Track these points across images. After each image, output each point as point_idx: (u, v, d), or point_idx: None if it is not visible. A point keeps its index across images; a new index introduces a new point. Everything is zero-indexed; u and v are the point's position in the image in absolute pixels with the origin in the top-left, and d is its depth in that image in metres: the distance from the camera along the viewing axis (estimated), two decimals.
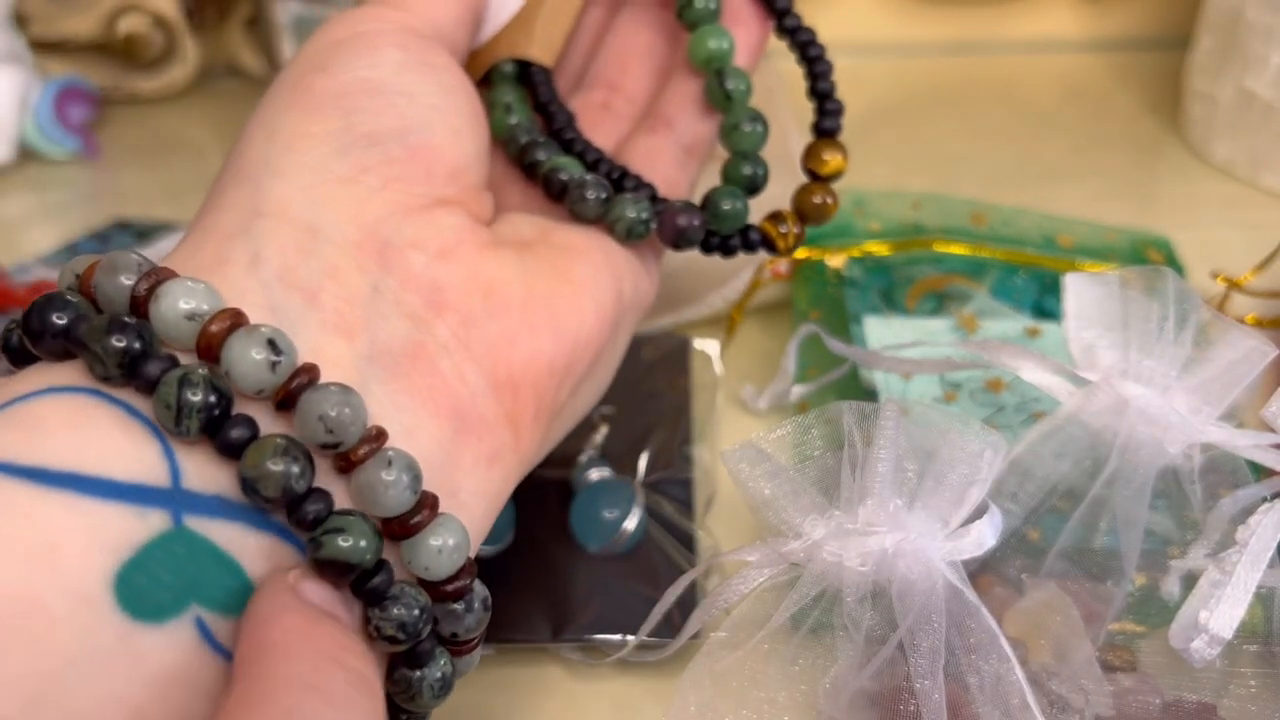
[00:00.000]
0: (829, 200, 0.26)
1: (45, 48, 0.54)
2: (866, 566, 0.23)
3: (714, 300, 0.40)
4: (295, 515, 0.17)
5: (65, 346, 0.18)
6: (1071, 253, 0.40)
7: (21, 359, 0.19)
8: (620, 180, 0.26)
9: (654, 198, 0.26)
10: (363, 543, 0.17)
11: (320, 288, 0.20)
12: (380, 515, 0.18)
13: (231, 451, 0.17)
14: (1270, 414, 0.26)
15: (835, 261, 0.39)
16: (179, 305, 0.18)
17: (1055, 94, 0.56)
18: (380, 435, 0.19)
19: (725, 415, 0.37)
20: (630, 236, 0.25)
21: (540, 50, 0.27)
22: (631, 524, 0.31)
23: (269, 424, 0.18)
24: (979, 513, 0.24)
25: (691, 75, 0.28)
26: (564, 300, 0.23)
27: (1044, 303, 0.38)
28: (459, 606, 0.19)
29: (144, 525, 0.16)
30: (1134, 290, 0.28)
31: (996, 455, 0.24)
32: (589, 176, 0.25)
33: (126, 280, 0.18)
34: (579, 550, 0.31)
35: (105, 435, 0.17)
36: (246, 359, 0.18)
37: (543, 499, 0.32)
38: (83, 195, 0.50)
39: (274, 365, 0.18)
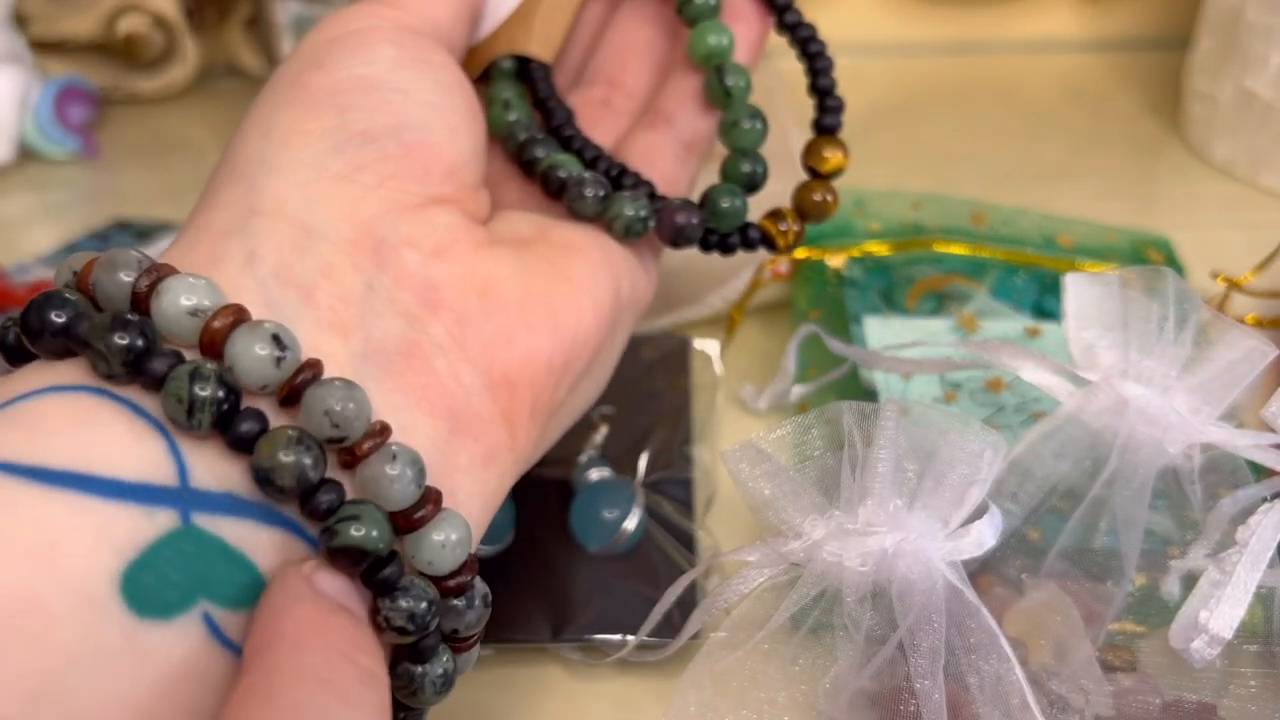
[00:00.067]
0: (829, 198, 0.26)
1: (45, 48, 0.54)
2: (866, 566, 0.23)
3: (714, 300, 0.40)
4: (309, 505, 0.18)
5: (65, 344, 0.18)
6: (1071, 253, 0.40)
7: (18, 357, 0.18)
8: (619, 178, 0.26)
9: (653, 195, 0.26)
10: (375, 532, 0.18)
11: (315, 285, 0.20)
12: (385, 509, 0.18)
13: (243, 446, 0.17)
14: (1270, 414, 0.26)
15: (835, 261, 0.39)
16: (180, 301, 0.18)
17: (1055, 94, 0.56)
18: (384, 430, 0.19)
19: (725, 415, 0.37)
20: (628, 234, 0.25)
21: (539, 46, 0.27)
22: (631, 524, 0.31)
23: (273, 420, 0.18)
24: (979, 513, 0.24)
25: (691, 71, 0.28)
26: (561, 298, 0.23)
27: (1044, 303, 0.38)
28: (460, 603, 0.19)
29: (151, 524, 0.16)
30: (1134, 290, 0.28)
31: (996, 455, 0.24)
32: (587, 174, 0.25)
33: (126, 277, 0.18)
34: (579, 550, 0.31)
35: (110, 434, 0.17)
36: (251, 354, 0.18)
37: (543, 499, 0.32)
38: (83, 195, 0.50)
39: (279, 361, 0.18)
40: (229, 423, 0.17)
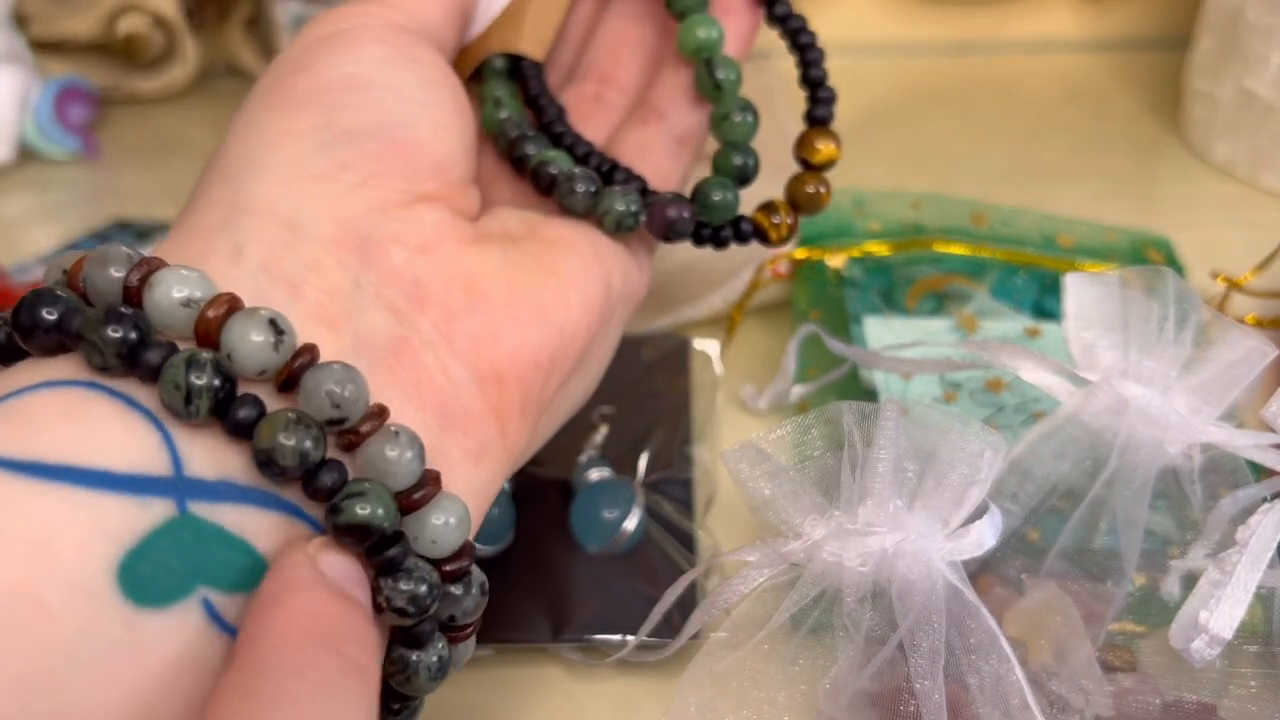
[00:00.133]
0: (822, 189, 0.26)
1: (45, 48, 0.54)
2: (866, 567, 0.23)
3: (714, 300, 0.40)
4: (312, 485, 0.18)
5: (58, 341, 0.18)
6: (1071, 253, 0.40)
7: (10, 356, 0.19)
8: (610, 173, 0.26)
9: (644, 190, 0.26)
10: (381, 510, 0.18)
11: (303, 281, 0.20)
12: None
13: (241, 431, 0.17)
14: (1270, 414, 0.26)
15: (835, 261, 0.39)
16: (173, 293, 0.18)
17: (1055, 94, 0.56)
18: (383, 412, 0.19)
19: (725, 415, 0.37)
20: (619, 229, 0.25)
21: (531, 44, 0.27)
22: (631, 524, 0.31)
23: (271, 406, 0.18)
24: (979, 513, 0.24)
25: (682, 66, 0.28)
26: (549, 294, 0.23)
27: (1044, 303, 0.38)
28: (457, 589, 0.19)
29: (146, 514, 0.16)
30: (1134, 290, 0.28)
31: (996, 455, 0.24)
32: (577, 170, 0.25)
33: (117, 273, 0.18)
34: (579, 550, 0.31)
35: (103, 427, 0.17)
36: (248, 340, 0.18)
37: (543, 499, 0.32)
38: (83, 195, 0.50)
39: (276, 345, 0.18)
40: (227, 409, 0.17)
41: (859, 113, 0.54)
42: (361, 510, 0.17)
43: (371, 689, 0.17)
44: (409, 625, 0.19)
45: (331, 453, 0.18)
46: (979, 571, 0.28)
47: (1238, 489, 0.27)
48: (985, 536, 0.24)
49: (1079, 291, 0.29)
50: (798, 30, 0.27)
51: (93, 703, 0.15)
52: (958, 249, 0.40)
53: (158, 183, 0.50)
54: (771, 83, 0.46)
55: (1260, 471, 0.27)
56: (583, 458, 0.33)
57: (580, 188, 0.25)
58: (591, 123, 0.28)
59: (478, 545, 0.30)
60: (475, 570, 0.20)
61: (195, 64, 0.56)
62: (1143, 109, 0.54)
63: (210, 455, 0.18)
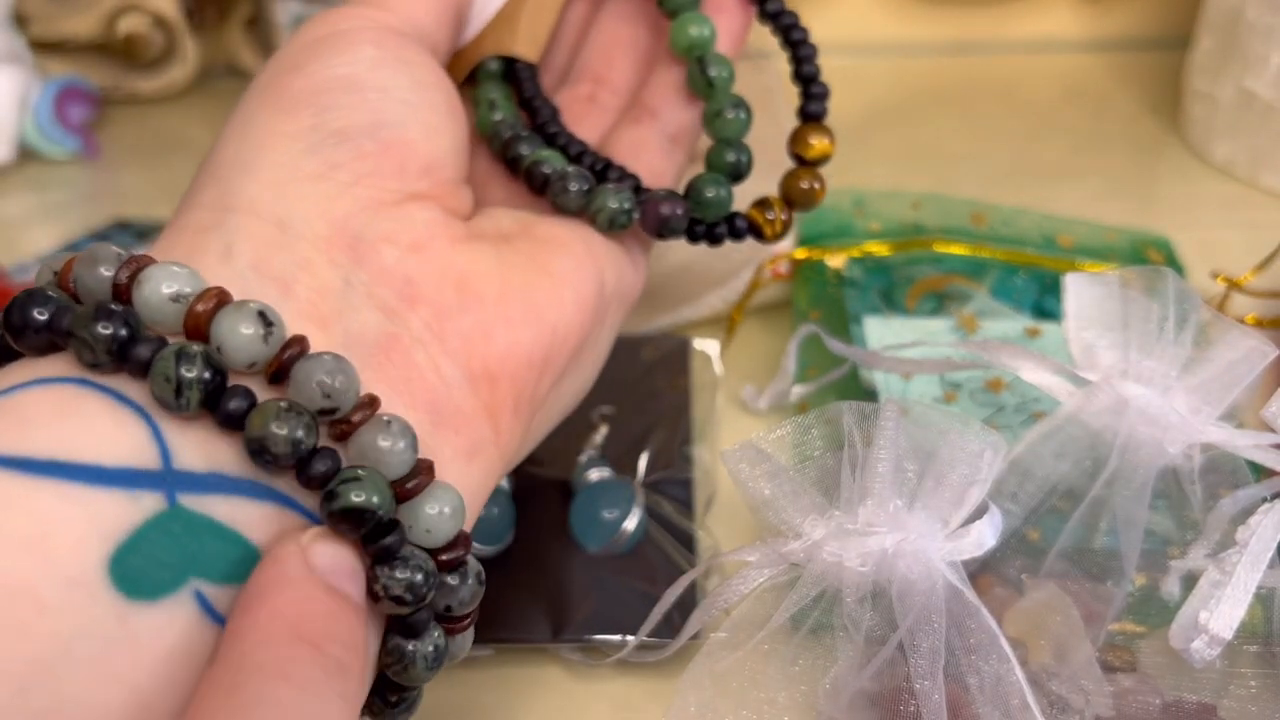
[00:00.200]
0: (816, 185, 0.26)
1: (45, 48, 0.54)
2: (866, 567, 0.23)
3: (714, 300, 0.40)
4: (305, 473, 0.18)
5: (49, 340, 0.18)
6: (1071, 253, 0.40)
7: (3, 356, 0.19)
8: (604, 172, 0.26)
9: (638, 188, 0.26)
10: (376, 497, 0.18)
11: (294, 279, 0.20)
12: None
13: (232, 422, 0.18)
14: (1270, 414, 0.26)
15: (835, 261, 0.39)
16: (162, 289, 0.18)
17: (1055, 94, 0.56)
18: (374, 401, 0.19)
19: (725, 415, 0.37)
20: (612, 227, 0.25)
21: (525, 46, 0.27)
22: (631, 524, 0.31)
23: (263, 397, 0.18)
24: (979, 513, 0.24)
25: (674, 64, 0.28)
26: (541, 292, 0.23)
27: (1044, 303, 0.38)
28: (453, 579, 0.19)
29: (137, 508, 0.17)
30: (1134, 290, 0.28)
31: (996, 455, 0.24)
32: (571, 168, 0.25)
33: (106, 271, 0.18)
34: (579, 550, 0.31)
35: (93, 422, 0.17)
36: (238, 333, 0.18)
37: (543, 499, 0.32)
38: (83, 195, 0.50)
39: (266, 337, 0.18)
40: (217, 401, 0.17)
41: (859, 113, 0.54)
42: (357, 496, 0.17)
43: (355, 689, 0.17)
44: (405, 614, 0.19)
45: (323, 443, 0.18)
46: (979, 571, 0.28)
47: (1238, 489, 0.27)
48: (985, 536, 0.24)
49: (1079, 291, 0.29)
50: (789, 27, 0.27)
51: (88, 696, 0.15)
52: (958, 249, 0.40)
53: (158, 183, 0.50)
54: (771, 82, 0.46)
55: (1260, 471, 0.27)
56: (583, 458, 0.33)
57: (573, 186, 0.25)
58: (586, 124, 0.28)
59: (478, 545, 0.30)
60: (471, 560, 0.20)
61: (195, 64, 0.56)
62: (1143, 109, 0.54)
63: (201, 448, 0.18)
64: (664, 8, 0.27)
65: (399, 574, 0.18)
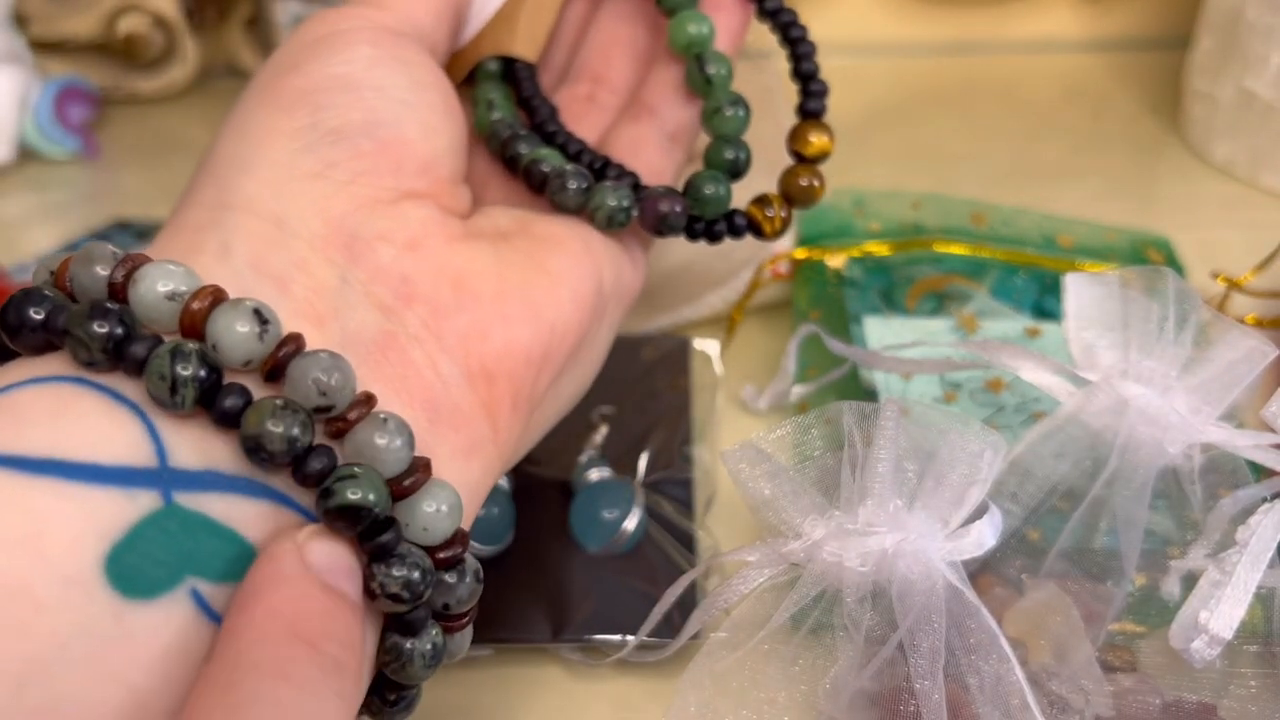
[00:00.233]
0: (815, 182, 0.26)
1: (45, 48, 0.54)
2: (866, 567, 0.23)
3: (714, 300, 0.40)
4: (301, 471, 0.18)
5: (45, 339, 0.18)
6: (1071, 253, 0.40)
7: (1, 357, 0.19)
8: (603, 170, 0.26)
9: (637, 186, 0.26)
10: (373, 494, 0.18)
11: (290, 277, 0.20)
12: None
13: (228, 420, 0.18)
14: (1270, 414, 0.26)
15: (835, 261, 0.39)
16: (158, 287, 0.18)
17: (1055, 94, 0.56)
18: (370, 399, 0.19)
19: (725, 415, 0.37)
20: (611, 225, 0.25)
21: (524, 46, 0.27)
22: (631, 524, 0.31)
23: (259, 395, 0.18)
24: (979, 513, 0.24)
25: (673, 62, 0.28)
26: (539, 290, 0.23)
27: (1044, 303, 0.38)
28: (451, 577, 0.19)
29: (133, 506, 0.17)
30: (1134, 290, 0.28)
31: (996, 455, 0.24)
32: (569, 166, 0.25)
33: (102, 270, 0.18)
34: (579, 550, 0.31)
35: (88, 421, 0.17)
36: (233, 331, 0.18)
37: (543, 499, 0.32)
38: (83, 195, 0.50)
39: (261, 335, 0.18)
40: (213, 399, 0.17)
41: (859, 113, 0.54)
42: (353, 494, 0.17)
43: (352, 688, 0.17)
44: (403, 612, 0.19)
45: (320, 441, 0.18)
46: (979, 571, 0.28)
47: (1238, 489, 0.27)
48: (985, 536, 0.24)
49: (1079, 291, 0.29)
50: (788, 24, 0.27)
51: (84, 694, 0.15)
52: (958, 249, 0.40)
53: (158, 183, 0.50)
54: (771, 82, 0.46)
55: (1260, 471, 0.27)
56: (583, 458, 0.33)
57: (572, 184, 0.25)
58: (585, 123, 0.28)
59: (477, 545, 0.30)
60: (469, 558, 0.20)
61: (195, 64, 0.56)
62: (1143, 109, 0.54)
63: (196, 446, 0.18)
64: (662, 6, 0.27)
65: (396, 571, 0.18)
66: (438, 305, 0.22)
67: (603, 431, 0.34)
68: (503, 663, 0.29)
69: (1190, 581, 0.26)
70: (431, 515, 0.19)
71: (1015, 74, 0.58)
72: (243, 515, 0.18)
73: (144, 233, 0.45)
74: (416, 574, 0.18)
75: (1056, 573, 0.28)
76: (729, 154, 0.26)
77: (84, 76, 0.54)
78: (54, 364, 0.18)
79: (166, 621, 0.16)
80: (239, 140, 0.22)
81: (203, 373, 0.17)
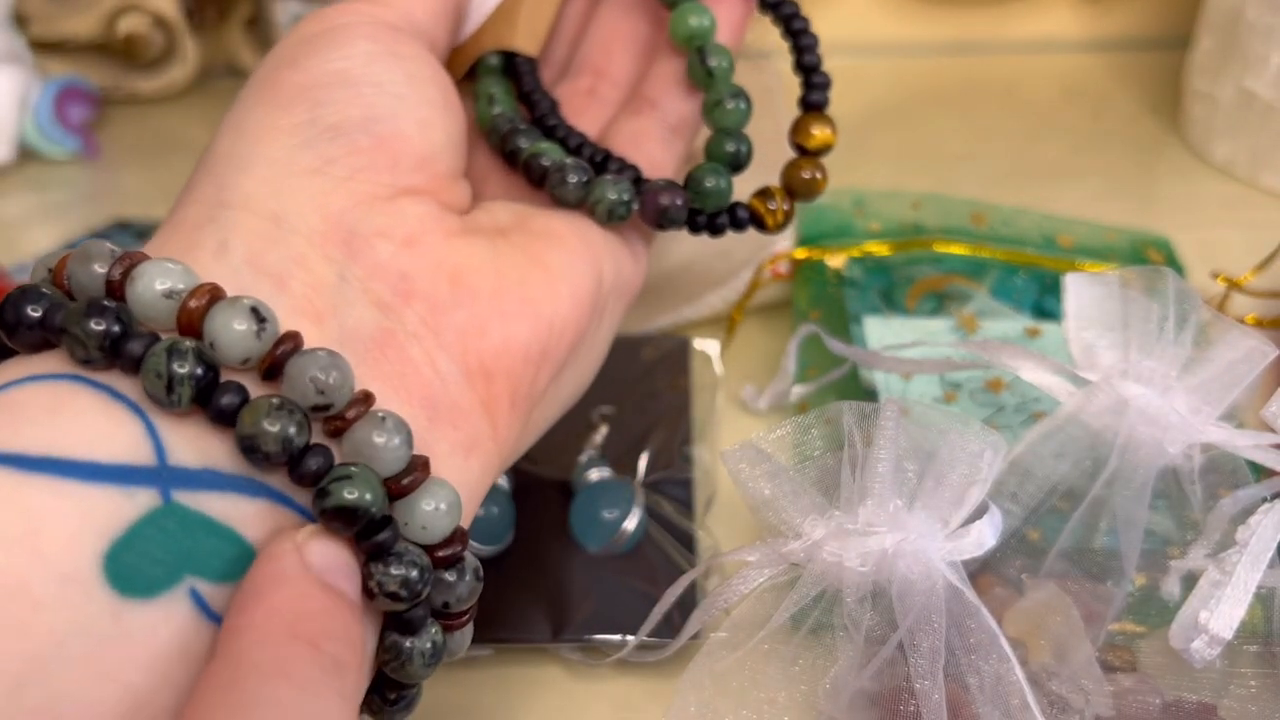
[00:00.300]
0: (818, 175, 0.26)
1: (45, 48, 0.54)
2: (866, 567, 0.23)
3: (714, 300, 0.40)
4: (297, 470, 0.18)
5: (43, 337, 0.18)
6: (1071, 253, 0.40)
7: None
8: (603, 163, 0.26)
9: (638, 179, 0.26)
10: (369, 494, 0.18)
11: (288, 274, 0.20)
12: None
13: (224, 419, 0.17)
14: (1270, 414, 0.26)
15: (835, 261, 0.39)
16: (155, 285, 0.18)
17: (1055, 94, 0.56)
18: (369, 398, 0.19)
19: (725, 415, 0.37)
20: (611, 218, 0.25)
21: (524, 41, 0.27)
22: (631, 524, 0.31)
23: (254, 394, 0.18)
24: (979, 513, 0.24)
25: (674, 55, 0.28)
26: (537, 286, 0.23)
27: (1044, 303, 0.38)
28: (450, 575, 0.19)
29: (132, 504, 0.17)
30: (1134, 290, 0.28)
31: (996, 455, 0.24)
32: (569, 160, 0.25)
33: (100, 268, 0.18)
34: (579, 550, 0.31)
35: (87, 418, 0.17)
36: (230, 329, 0.18)
37: (543, 499, 0.32)
38: (83, 195, 0.50)
39: (259, 333, 0.18)
40: (209, 397, 0.17)
41: (859, 113, 0.54)
42: (349, 494, 0.17)
43: (353, 686, 0.17)
44: (401, 610, 0.19)
45: (318, 439, 0.18)
46: (979, 571, 0.28)
47: (1238, 489, 0.27)
48: (985, 536, 0.24)
49: (1079, 291, 0.29)
50: (790, 16, 0.27)
51: (82, 693, 0.15)
52: (958, 249, 0.40)
53: (158, 183, 0.50)
54: (770, 82, 0.46)
55: (1260, 471, 0.27)
56: (583, 458, 0.33)
57: (572, 178, 0.25)
58: (586, 117, 0.28)
59: (477, 545, 0.30)
60: (469, 556, 0.20)
61: (195, 64, 0.56)
62: (1143, 109, 0.54)
63: (194, 444, 0.18)
64: None
65: (394, 570, 0.18)
66: (436, 302, 0.22)
67: (603, 431, 0.34)
68: (503, 663, 0.29)
69: (1190, 581, 0.26)
70: (430, 514, 0.19)
71: (1015, 74, 0.58)
72: (241, 514, 0.18)
73: (144, 232, 0.45)
74: (414, 573, 0.18)
75: (1056, 573, 0.28)
76: (730, 146, 0.26)
77: (84, 76, 0.54)
78: (51, 362, 0.18)
79: (165, 621, 0.16)
80: (237, 137, 0.22)
81: (199, 371, 0.17)
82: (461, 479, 0.21)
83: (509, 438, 0.23)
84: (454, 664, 0.21)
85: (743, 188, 0.26)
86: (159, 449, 0.17)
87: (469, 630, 0.21)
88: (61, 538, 0.16)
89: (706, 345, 0.39)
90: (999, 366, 0.29)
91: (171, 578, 0.17)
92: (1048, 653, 0.26)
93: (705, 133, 0.27)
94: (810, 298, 0.39)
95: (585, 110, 0.28)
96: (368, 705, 0.20)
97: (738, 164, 0.26)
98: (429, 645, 0.19)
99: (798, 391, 0.36)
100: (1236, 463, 0.27)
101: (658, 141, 0.27)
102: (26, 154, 0.51)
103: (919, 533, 0.23)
